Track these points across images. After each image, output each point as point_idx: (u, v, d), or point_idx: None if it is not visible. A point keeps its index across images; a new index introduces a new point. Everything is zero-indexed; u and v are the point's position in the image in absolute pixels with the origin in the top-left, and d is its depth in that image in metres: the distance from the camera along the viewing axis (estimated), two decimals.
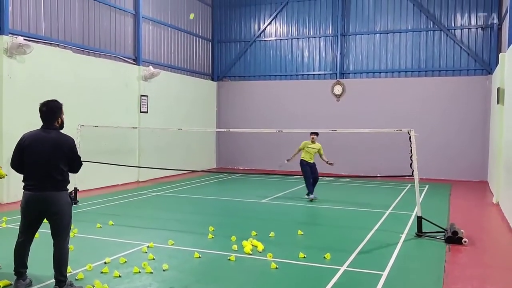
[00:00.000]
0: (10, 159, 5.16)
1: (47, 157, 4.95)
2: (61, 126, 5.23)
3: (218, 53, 21.04)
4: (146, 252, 6.86)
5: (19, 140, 5.12)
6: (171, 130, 15.67)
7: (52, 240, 5.08)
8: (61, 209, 4.99)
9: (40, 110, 5.10)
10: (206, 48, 20.58)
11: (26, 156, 5.01)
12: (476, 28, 17.18)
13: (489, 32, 16.98)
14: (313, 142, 12.26)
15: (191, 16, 11.79)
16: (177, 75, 18.15)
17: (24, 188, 5.06)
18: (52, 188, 4.96)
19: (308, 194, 12.14)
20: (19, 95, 11.17)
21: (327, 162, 12.21)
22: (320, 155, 12.32)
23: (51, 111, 5.10)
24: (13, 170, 5.20)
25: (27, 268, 5.21)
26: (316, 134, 12.23)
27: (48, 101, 5.14)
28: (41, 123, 5.15)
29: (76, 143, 5.35)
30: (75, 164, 5.20)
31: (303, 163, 12.18)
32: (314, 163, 12.29)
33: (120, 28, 15.20)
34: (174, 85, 17.65)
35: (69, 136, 5.21)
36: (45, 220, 5.12)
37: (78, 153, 5.26)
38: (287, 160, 12.51)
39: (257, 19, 20.29)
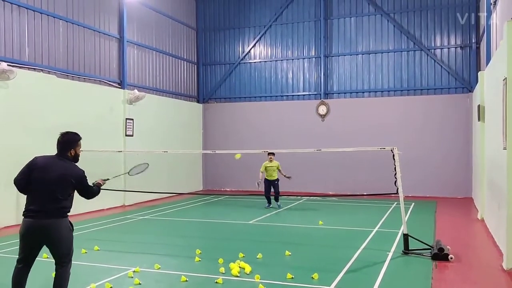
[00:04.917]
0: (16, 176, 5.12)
1: (53, 184, 4.98)
2: (75, 159, 5.31)
3: (203, 76, 21.17)
4: (132, 277, 6.78)
5: (31, 160, 5.14)
6: (157, 153, 15.61)
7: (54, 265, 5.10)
8: (61, 236, 5.01)
9: (58, 139, 5.23)
10: (191, 71, 20.71)
11: (33, 178, 5.01)
12: (455, 48, 17.59)
13: (468, 51, 17.39)
14: (271, 161, 14.18)
15: (238, 156, 12.49)
16: (163, 98, 18.20)
17: (24, 214, 5.01)
18: (53, 215, 4.96)
19: (267, 206, 14.32)
20: (2, 121, 11.07)
21: (285, 176, 14.18)
22: (279, 171, 14.26)
23: (65, 142, 5.22)
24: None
25: None
26: (273, 154, 14.13)
27: (67, 132, 5.29)
28: (51, 151, 5.30)
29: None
30: (87, 195, 5.42)
31: (266, 180, 14.28)
32: (274, 180, 14.16)
33: (104, 53, 15.25)
34: (159, 108, 17.66)
35: (80, 168, 5.26)
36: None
37: (88, 184, 5.35)
38: (258, 184, 14.13)
39: (241, 41, 20.52)
